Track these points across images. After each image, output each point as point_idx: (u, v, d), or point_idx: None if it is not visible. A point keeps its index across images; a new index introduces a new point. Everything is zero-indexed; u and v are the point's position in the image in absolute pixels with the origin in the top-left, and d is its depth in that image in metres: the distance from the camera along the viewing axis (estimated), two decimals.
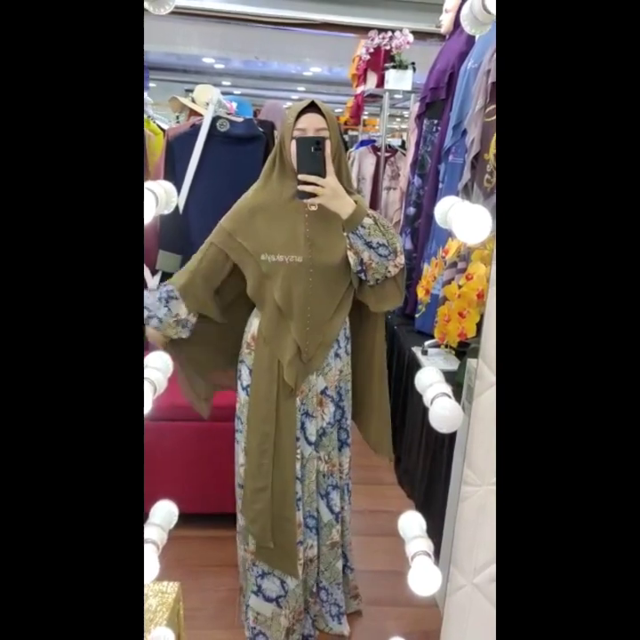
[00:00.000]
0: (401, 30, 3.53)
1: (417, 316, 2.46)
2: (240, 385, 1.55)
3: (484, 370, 0.84)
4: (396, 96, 3.68)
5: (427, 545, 0.87)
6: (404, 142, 3.80)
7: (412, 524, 0.91)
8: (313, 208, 1.38)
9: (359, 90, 3.98)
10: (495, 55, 1.81)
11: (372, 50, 3.60)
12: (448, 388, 0.81)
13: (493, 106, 1.95)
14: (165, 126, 2.67)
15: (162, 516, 0.86)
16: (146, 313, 1.43)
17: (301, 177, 1.26)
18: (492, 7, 0.68)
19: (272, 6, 4.65)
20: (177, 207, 2.10)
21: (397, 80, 3.42)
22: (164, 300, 1.43)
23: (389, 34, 3.53)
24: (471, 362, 1.57)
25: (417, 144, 2.83)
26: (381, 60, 3.56)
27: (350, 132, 5.61)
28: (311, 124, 1.32)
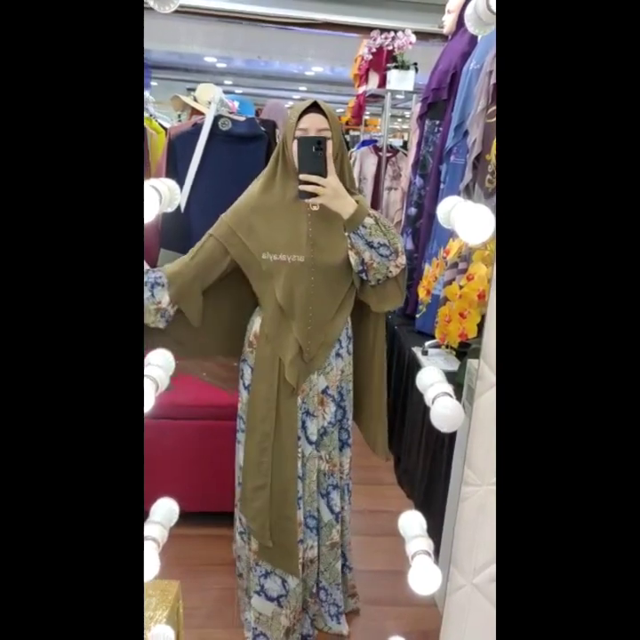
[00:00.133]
0: (403, 30, 3.52)
1: (417, 316, 2.46)
2: (242, 384, 1.55)
3: (485, 370, 0.84)
4: (398, 96, 3.68)
5: (427, 544, 0.88)
6: (405, 143, 3.80)
7: (412, 523, 0.91)
8: (315, 208, 1.38)
9: (361, 90, 3.97)
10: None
11: (374, 50, 3.60)
12: (449, 388, 0.81)
13: (495, 107, 1.95)
14: (167, 125, 2.67)
15: (162, 513, 0.86)
16: None
17: (302, 177, 1.26)
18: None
19: (274, 6, 4.65)
20: (178, 206, 2.10)
21: (399, 80, 3.42)
22: (150, 285, 1.39)
23: (392, 34, 3.53)
24: (472, 362, 1.57)
25: (418, 144, 2.83)
26: (383, 61, 3.56)
27: (351, 132, 5.61)
28: (313, 124, 1.32)
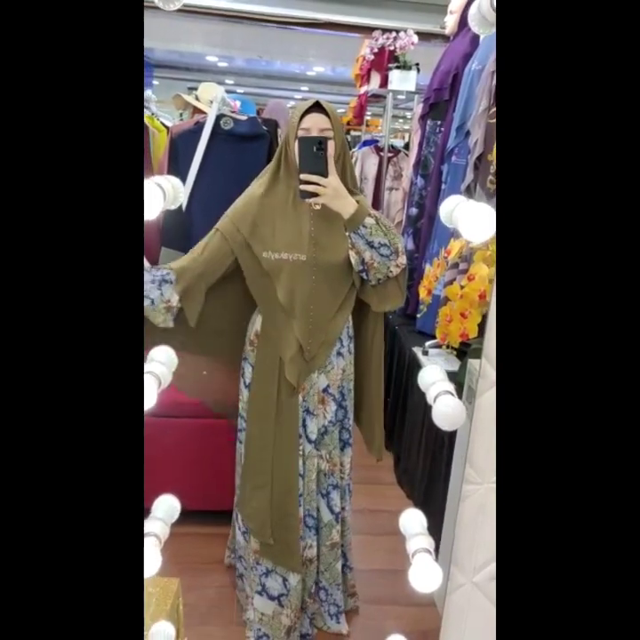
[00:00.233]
0: (405, 31, 3.53)
1: (418, 316, 2.46)
2: (243, 382, 1.56)
3: (487, 368, 0.84)
4: (400, 97, 3.69)
5: (428, 542, 0.88)
6: (407, 144, 3.80)
7: (412, 521, 0.92)
8: (317, 207, 1.39)
9: (362, 90, 3.98)
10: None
11: (376, 50, 3.60)
12: (451, 386, 0.82)
13: None
14: (169, 123, 2.67)
15: (164, 509, 0.86)
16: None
17: (303, 176, 1.27)
18: None
19: (276, 5, 4.65)
20: (180, 205, 2.11)
21: (401, 80, 3.42)
22: (158, 283, 1.37)
23: (394, 34, 3.53)
24: (472, 362, 1.57)
25: (420, 145, 2.83)
26: (385, 61, 3.56)
27: (353, 133, 5.62)
28: (315, 124, 1.33)
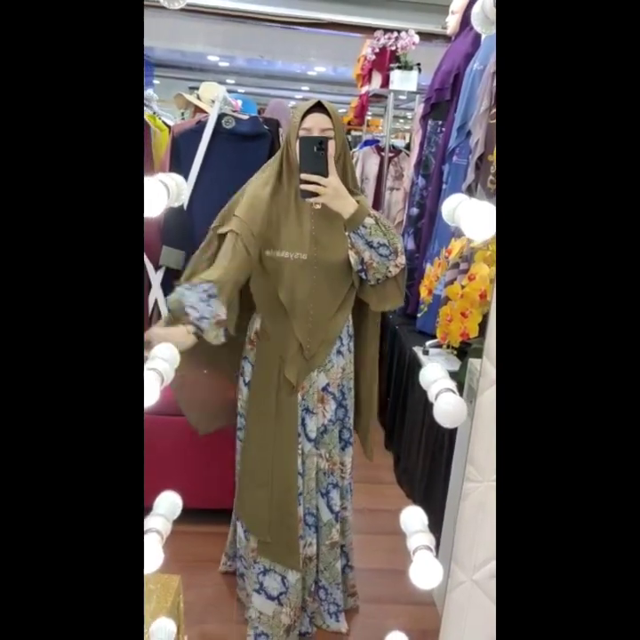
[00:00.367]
0: (407, 31, 3.53)
1: (419, 315, 2.46)
2: (242, 381, 1.56)
3: (488, 367, 0.85)
4: (401, 97, 3.69)
5: (428, 539, 0.88)
6: (408, 145, 3.80)
7: (413, 518, 0.92)
8: (317, 207, 1.39)
9: (364, 90, 3.98)
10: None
11: (377, 50, 3.60)
12: (452, 384, 0.82)
13: None
14: (171, 123, 2.67)
15: (166, 506, 0.87)
16: (194, 313, 1.27)
17: (304, 176, 1.27)
18: None
19: (277, 5, 4.65)
20: (181, 203, 2.11)
21: (402, 81, 3.43)
22: (206, 297, 1.30)
23: (395, 34, 3.54)
24: (473, 362, 1.57)
25: (421, 145, 2.84)
26: (387, 61, 3.56)
27: (354, 132, 5.62)
28: (317, 124, 1.33)
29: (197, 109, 2.50)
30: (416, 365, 2.29)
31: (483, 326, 1.71)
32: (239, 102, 2.71)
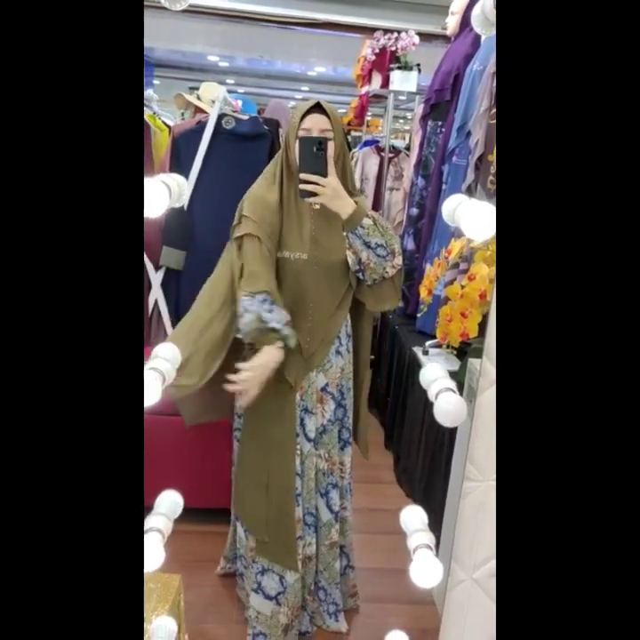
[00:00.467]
0: (407, 31, 3.54)
1: (419, 315, 2.47)
2: None
3: (488, 367, 0.85)
4: (401, 97, 3.69)
5: (428, 538, 0.88)
6: (408, 146, 3.80)
7: (413, 517, 0.92)
8: (316, 207, 1.40)
9: (364, 90, 3.98)
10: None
11: (377, 50, 3.60)
12: (452, 384, 0.82)
13: None
14: (171, 123, 2.67)
15: (167, 505, 0.87)
16: (283, 330, 1.32)
17: (303, 176, 1.28)
18: None
19: (277, 5, 4.66)
20: (182, 204, 2.11)
21: (402, 81, 3.43)
22: (269, 309, 1.32)
23: (395, 35, 3.54)
24: (472, 362, 1.58)
25: (421, 145, 2.84)
26: (386, 61, 3.57)
27: (353, 133, 5.62)
28: (316, 125, 1.33)
29: (197, 110, 2.50)
30: (416, 365, 2.30)
31: (482, 326, 1.71)
32: (239, 102, 2.71)
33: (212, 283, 1.50)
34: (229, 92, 2.41)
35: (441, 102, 2.61)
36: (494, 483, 0.91)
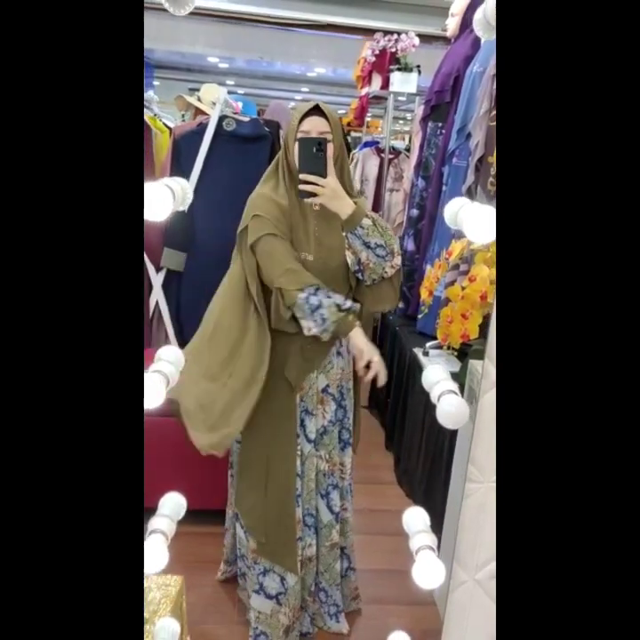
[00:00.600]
0: (407, 33, 3.54)
1: (419, 317, 2.47)
2: None
3: (490, 368, 0.85)
4: (401, 98, 3.70)
5: (431, 540, 0.89)
6: (408, 147, 3.81)
7: (416, 518, 0.93)
8: (316, 207, 1.40)
9: (364, 91, 3.99)
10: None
11: (377, 52, 3.61)
12: (455, 386, 0.83)
13: None
14: (171, 124, 2.68)
15: (170, 507, 0.87)
16: (353, 306, 1.38)
17: (302, 176, 1.28)
18: None
19: (277, 7, 4.66)
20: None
21: (402, 82, 3.44)
22: (330, 296, 1.36)
23: (395, 36, 3.55)
24: (473, 363, 1.58)
25: (421, 146, 2.85)
26: (386, 63, 3.57)
27: (353, 134, 5.63)
28: (315, 127, 1.34)
29: (198, 111, 2.51)
30: (416, 366, 2.30)
31: (483, 327, 1.72)
32: (239, 104, 2.71)
33: (225, 313, 1.49)
34: (229, 92, 2.42)
35: (441, 104, 2.61)
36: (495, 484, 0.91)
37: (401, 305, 2.77)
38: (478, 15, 0.74)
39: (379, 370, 1.37)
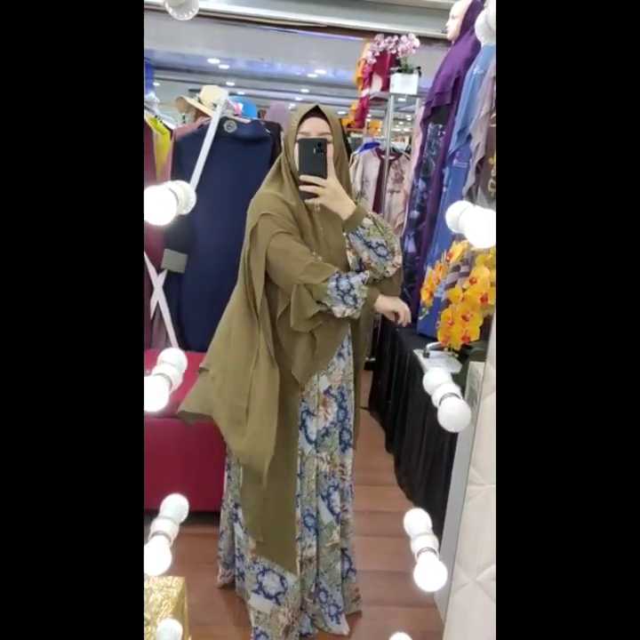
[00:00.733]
0: (407, 35, 3.54)
1: (420, 318, 2.47)
2: None
3: (491, 371, 0.86)
4: (401, 100, 3.70)
5: (432, 542, 0.89)
6: (409, 149, 3.81)
7: (417, 521, 0.93)
8: (317, 209, 1.40)
9: (364, 93, 3.99)
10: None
11: (377, 53, 3.61)
12: (456, 388, 0.83)
13: None
14: (172, 126, 2.68)
15: (173, 508, 0.87)
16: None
17: (303, 177, 1.28)
18: None
19: (278, 9, 4.66)
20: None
21: (403, 84, 3.44)
22: (348, 277, 1.39)
23: (395, 38, 3.55)
24: (473, 365, 1.58)
25: (421, 148, 2.85)
26: (387, 64, 3.58)
27: (354, 135, 5.63)
28: (315, 129, 1.34)
29: (199, 113, 2.51)
30: (417, 368, 2.30)
31: (483, 329, 1.72)
32: (240, 106, 2.72)
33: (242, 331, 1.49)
34: (230, 94, 2.42)
35: (441, 105, 2.62)
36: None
37: None
38: (480, 20, 0.74)
39: (406, 311, 1.52)
